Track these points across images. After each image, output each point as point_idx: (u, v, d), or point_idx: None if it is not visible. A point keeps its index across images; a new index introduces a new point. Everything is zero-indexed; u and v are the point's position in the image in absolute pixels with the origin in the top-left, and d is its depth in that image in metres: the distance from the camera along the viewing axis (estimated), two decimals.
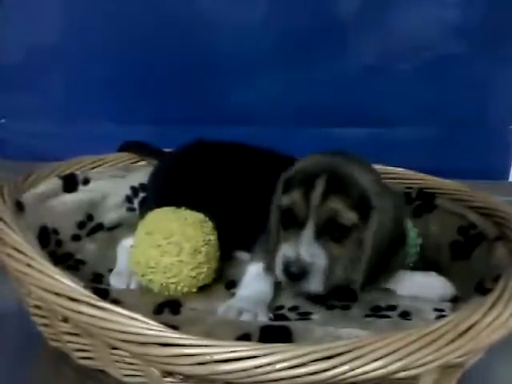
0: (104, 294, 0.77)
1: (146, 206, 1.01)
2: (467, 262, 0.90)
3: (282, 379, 0.55)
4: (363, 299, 0.85)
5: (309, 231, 0.78)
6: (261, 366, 0.55)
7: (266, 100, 1.57)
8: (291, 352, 0.55)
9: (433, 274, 0.89)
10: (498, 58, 1.50)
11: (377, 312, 0.81)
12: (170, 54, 1.55)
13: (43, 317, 0.76)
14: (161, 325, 0.60)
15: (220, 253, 0.89)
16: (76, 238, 1.03)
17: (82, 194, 1.06)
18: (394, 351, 0.56)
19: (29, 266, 0.67)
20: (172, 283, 0.82)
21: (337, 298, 0.85)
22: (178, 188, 1.00)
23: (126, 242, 0.93)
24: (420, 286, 0.86)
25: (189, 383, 0.64)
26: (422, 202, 1.04)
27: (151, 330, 0.59)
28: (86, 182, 1.07)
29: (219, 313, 0.77)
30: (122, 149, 1.20)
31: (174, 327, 0.61)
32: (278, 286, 0.85)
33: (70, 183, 1.05)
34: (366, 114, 1.55)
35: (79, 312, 0.62)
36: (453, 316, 0.61)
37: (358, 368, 0.55)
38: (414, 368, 0.56)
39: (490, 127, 1.57)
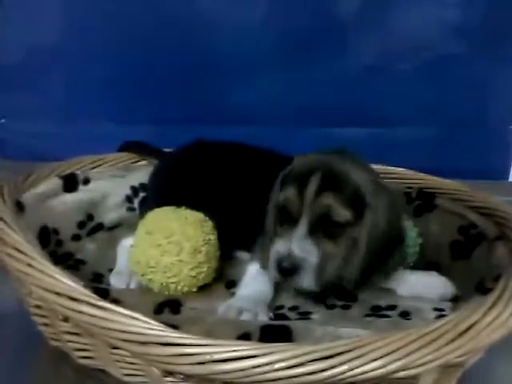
0: (104, 293, 0.77)
1: (146, 206, 1.01)
2: (467, 261, 0.90)
3: (282, 379, 0.55)
4: (363, 299, 0.85)
5: (302, 227, 0.78)
6: (261, 366, 0.55)
7: (265, 100, 1.57)
8: (291, 351, 0.55)
9: (433, 273, 0.89)
10: (498, 58, 1.50)
11: (377, 312, 0.81)
12: (169, 54, 1.55)
13: (43, 316, 0.76)
14: (161, 324, 0.60)
15: (220, 252, 0.89)
16: (76, 237, 1.03)
17: (82, 193, 1.06)
18: (394, 351, 0.56)
19: (29, 265, 0.67)
20: (172, 283, 0.82)
21: (337, 297, 0.85)
22: (178, 188, 1.00)
23: (126, 242, 0.93)
24: (420, 286, 0.87)
25: (189, 383, 0.65)
26: (422, 202, 1.04)
27: (151, 329, 0.59)
28: (86, 181, 1.07)
29: (219, 312, 0.77)
30: (122, 149, 1.20)
31: (175, 327, 0.61)
32: (277, 286, 0.85)
33: (70, 183, 1.05)
34: (366, 114, 1.55)
35: (79, 312, 0.63)
36: (453, 315, 0.61)
37: (358, 367, 0.55)
38: (413, 368, 0.56)
39: (490, 127, 1.57)
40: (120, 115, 1.62)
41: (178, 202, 0.90)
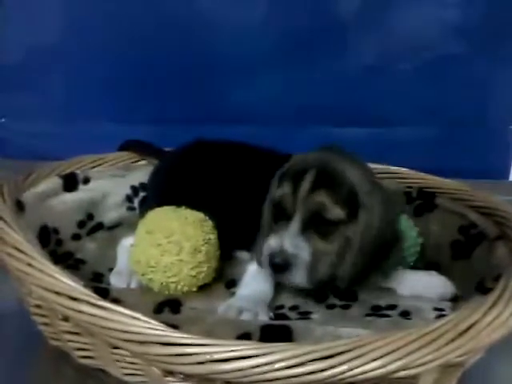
0: (104, 293, 0.77)
1: (147, 205, 1.01)
2: (468, 261, 0.90)
3: (282, 378, 0.55)
4: (363, 298, 0.85)
5: (295, 224, 0.78)
6: (261, 366, 0.55)
7: (265, 100, 1.57)
8: (291, 351, 0.55)
9: (433, 273, 0.89)
10: (498, 58, 1.50)
11: (377, 311, 0.81)
12: (169, 54, 1.55)
13: (43, 316, 0.76)
14: (161, 324, 0.60)
15: (220, 252, 0.89)
16: (76, 237, 1.03)
17: (83, 193, 1.06)
18: (394, 350, 0.56)
19: (29, 265, 0.67)
20: (172, 282, 0.82)
21: (337, 297, 0.85)
22: (179, 187, 1.00)
23: (126, 242, 0.93)
24: (420, 286, 0.87)
25: (189, 382, 0.64)
26: (423, 202, 1.04)
27: (152, 329, 0.59)
28: (87, 181, 1.07)
29: (219, 312, 0.77)
30: (122, 148, 1.20)
31: (175, 326, 0.61)
32: (278, 286, 0.85)
33: (71, 182, 1.05)
34: (366, 114, 1.56)
35: (80, 311, 0.63)
36: (453, 315, 0.61)
37: (358, 367, 0.55)
38: (413, 367, 0.56)
39: (490, 127, 1.57)
40: (120, 115, 1.62)
41: (178, 202, 0.90)
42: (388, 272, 0.87)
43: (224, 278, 0.91)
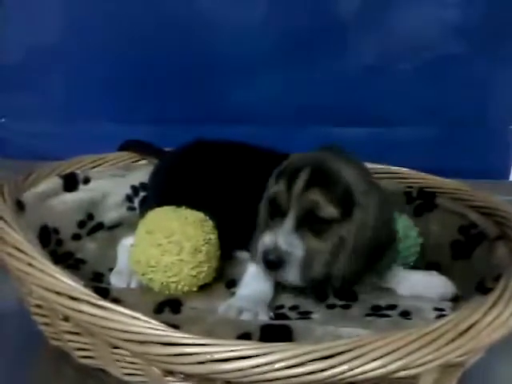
0: (104, 293, 0.77)
1: (147, 205, 1.01)
2: (468, 261, 0.90)
3: (282, 378, 0.55)
4: (363, 298, 0.85)
5: (289, 221, 0.79)
6: (261, 366, 0.55)
7: (265, 100, 1.57)
8: (292, 351, 0.55)
9: (433, 273, 0.89)
10: (498, 58, 1.50)
11: (377, 311, 0.81)
12: (170, 54, 1.55)
13: (44, 316, 0.76)
14: (161, 324, 0.60)
15: (220, 252, 0.89)
16: (76, 237, 1.03)
17: (83, 193, 1.06)
18: (394, 350, 0.56)
19: (30, 265, 0.67)
20: (172, 282, 0.82)
21: (337, 296, 0.85)
22: (179, 187, 1.00)
23: (127, 241, 0.93)
24: (420, 286, 0.87)
25: (190, 382, 0.65)
26: (423, 202, 1.04)
27: (152, 329, 0.59)
28: (87, 181, 1.07)
29: (220, 312, 0.77)
30: (122, 148, 1.20)
31: (175, 326, 0.61)
32: (278, 286, 0.85)
33: (71, 182, 1.05)
34: (366, 114, 1.56)
35: (80, 311, 0.63)
36: (453, 315, 0.61)
37: (358, 367, 0.55)
38: (414, 367, 0.56)
39: (490, 127, 1.57)
40: (120, 115, 1.62)
41: (178, 202, 0.90)
42: (382, 272, 0.87)
43: (224, 277, 0.91)
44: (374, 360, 0.55)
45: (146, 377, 0.68)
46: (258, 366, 0.55)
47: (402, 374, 0.56)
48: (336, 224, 0.79)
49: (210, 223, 0.89)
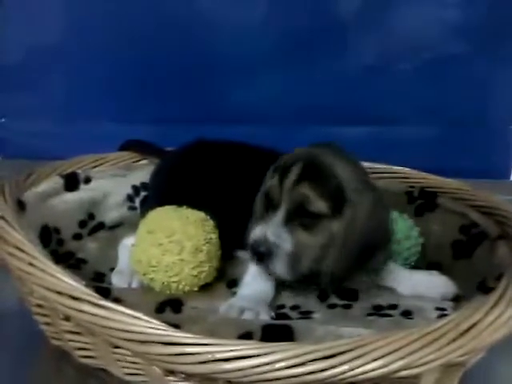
0: (105, 292, 0.76)
1: (148, 205, 1.01)
2: (469, 260, 0.90)
3: (284, 378, 0.55)
4: (365, 298, 0.85)
5: (279, 214, 0.79)
6: (263, 365, 0.55)
7: (265, 100, 1.57)
8: (293, 351, 0.55)
9: (435, 272, 0.89)
10: (498, 58, 1.50)
11: (378, 311, 0.81)
12: (170, 54, 1.55)
13: (45, 315, 0.76)
14: (162, 323, 0.60)
15: (221, 252, 0.89)
16: (77, 236, 1.03)
17: (84, 192, 1.06)
18: (396, 350, 0.56)
19: (31, 264, 0.67)
20: (173, 282, 0.82)
21: (338, 296, 0.85)
22: (180, 187, 1.00)
23: (128, 241, 0.93)
24: (422, 285, 0.86)
25: (191, 382, 0.65)
26: (424, 201, 1.04)
27: (153, 328, 0.59)
28: (88, 180, 1.08)
29: (221, 312, 0.77)
30: (123, 148, 1.20)
31: (176, 326, 0.61)
32: (278, 285, 0.85)
33: (72, 182, 1.05)
34: (366, 114, 1.55)
35: (81, 311, 0.63)
36: (454, 315, 0.61)
37: (359, 367, 0.55)
38: (415, 367, 0.56)
39: (491, 127, 1.57)
40: (120, 115, 1.62)
41: (179, 201, 0.90)
42: (374, 271, 0.87)
43: (225, 277, 0.91)
44: (375, 360, 0.55)
45: (147, 376, 0.68)
46: (259, 366, 0.55)
47: (404, 373, 0.56)
48: (326, 219, 0.79)
49: (211, 223, 0.89)
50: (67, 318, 0.71)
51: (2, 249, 0.71)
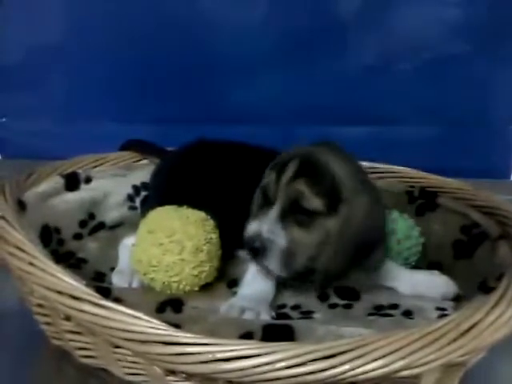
0: (106, 292, 0.76)
1: (148, 205, 1.01)
2: (470, 260, 0.90)
3: (284, 378, 0.55)
4: (365, 298, 0.85)
5: (275, 210, 0.79)
6: (263, 365, 0.55)
7: (265, 100, 1.57)
8: (293, 351, 0.55)
9: (435, 272, 0.89)
10: (498, 58, 1.50)
11: (379, 311, 0.81)
12: (170, 54, 1.55)
13: (45, 315, 0.76)
14: (163, 323, 0.60)
15: (222, 251, 0.89)
16: (78, 236, 1.03)
17: (84, 192, 1.06)
18: (396, 350, 0.56)
19: (31, 264, 0.67)
20: (174, 282, 0.82)
21: (339, 296, 0.85)
22: (180, 187, 1.00)
23: (128, 241, 0.93)
24: (423, 285, 0.86)
25: (191, 382, 0.65)
26: (425, 201, 1.04)
27: (153, 328, 0.59)
28: (88, 180, 1.08)
29: (221, 311, 0.77)
30: (123, 147, 1.20)
31: (177, 326, 0.61)
32: (279, 285, 0.85)
33: (72, 182, 1.05)
34: (366, 114, 1.55)
35: (81, 310, 0.63)
36: (455, 315, 0.61)
37: (360, 367, 0.55)
38: (416, 367, 0.56)
39: (491, 127, 1.56)
40: (121, 115, 1.62)
41: (179, 201, 0.90)
42: (369, 270, 0.87)
43: (226, 277, 0.91)
44: (376, 360, 0.55)
45: (148, 376, 0.68)
46: (259, 366, 0.55)
47: (404, 373, 0.56)
48: (321, 217, 0.78)
49: (212, 223, 0.89)
50: (68, 318, 0.71)
51: (3, 248, 0.71)
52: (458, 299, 0.83)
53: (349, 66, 1.54)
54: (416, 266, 0.96)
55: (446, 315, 0.73)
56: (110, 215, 1.11)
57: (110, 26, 1.56)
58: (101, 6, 1.54)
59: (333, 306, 0.83)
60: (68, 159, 1.09)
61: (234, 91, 1.58)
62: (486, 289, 0.75)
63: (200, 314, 0.76)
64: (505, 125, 1.57)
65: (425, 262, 0.97)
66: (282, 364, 0.55)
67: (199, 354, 0.56)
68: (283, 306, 0.83)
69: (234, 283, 0.89)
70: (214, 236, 0.87)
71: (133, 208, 1.14)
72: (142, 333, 0.59)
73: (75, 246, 1.01)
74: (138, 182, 1.15)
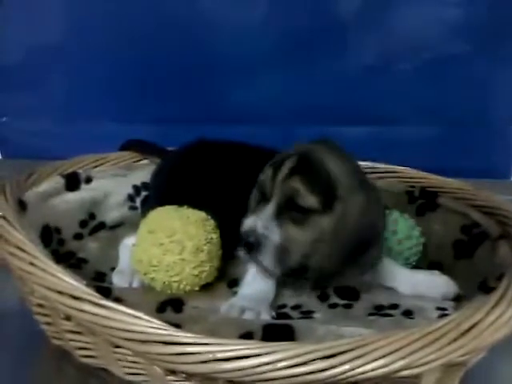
0: (106, 292, 0.77)
1: (148, 205, 1.01)
2: (470, 260, 0.90)
3: (284, 377, 0.55)
4: (366, 298, 0.84)
5: (270, 207, 0.79)
6: (264, 365, 0.55)
7: (265, 100, 1.57)
8: (294, 351, 0.55)
9: (436, 272, 0.89)
10: (498, 58, 1.50)
11: (379, 311, 0.81)
12: (170, 54, 1.55)
13: (46, 315, 0.76)
14: (163, 323, 0.60)
15: (222, 251, 0.89)
16: (78, 236, 1.03)
17: (85, 192, 1.06)
18: (397, 350, 0.56)
19: (32, 264, 0.67)
20: (174, 281, 0.82)
21: (339, 295, 0.85)
22: (181, 187, 1.00)
23: (128, 241, 0.93)
24: (423, 285, 0.86)
25: (192, 381, 0.65)
26: (425, 201, 1.04)
27: (154, 328, 0.59)
28: (89, 180, 1.08)
29: (222, 311, 0.77)
30: (123, 147, 1.20)
31: (177, 325, 0.61)
32: (279, 285, 0.85)
33: (73, 182, 1.05)
34: (366, 114, 1.55)
35: (82, 310, 0.63)
36: (455, 315, 0.61)
37: (360, 367, 0.55)
38: (416, 367, 0.56)
39: (491, 127, 1.56)
40: (121, 115, 1.62)
41: (179, 201, 0.90)
42: (367, 268, 0.87)
43: (226, 277, 0.91)
44: (376, 359, 0.55)
45: (148, 376, 0.68)
46: (260, 366, 0.55)
47: (404, 373, 0.56)
48: (316, 215, 0.78)
49: (212, 222, 0.89)
50: (68, 318, 0.71)
51: (3, 248, 0.71)
52: (458, 299, 0.83)
53: (349, 66, 1.54)
54: (416, 266, 0.96)
55: (446, 315, 0.72)
56: (111, 215, 1.11)
57: (110, 26, 1.56)
58: (101, 6, 1.54)
59: (333, 306, 0.83)
60: (68, 159, 1.09)
61: (234, 91, 1.58)
62: (486, 289, 0.75)
63: (200, 314, 0.76)
64: (505, 125, 1.57)
65: (425, 261, 0.97)
66: (283, 364, 0.55)
67: (199, 353, 0.56)
68: (283, 305, 0.83)
69: (234, 283, 0.89)
70: (215, 236, 0.87)
71: (133, 208, 1.15)
72: (142, 333, 0.59)
73: (76, 246, 1.01)
74: (138, 182, 1.15)
